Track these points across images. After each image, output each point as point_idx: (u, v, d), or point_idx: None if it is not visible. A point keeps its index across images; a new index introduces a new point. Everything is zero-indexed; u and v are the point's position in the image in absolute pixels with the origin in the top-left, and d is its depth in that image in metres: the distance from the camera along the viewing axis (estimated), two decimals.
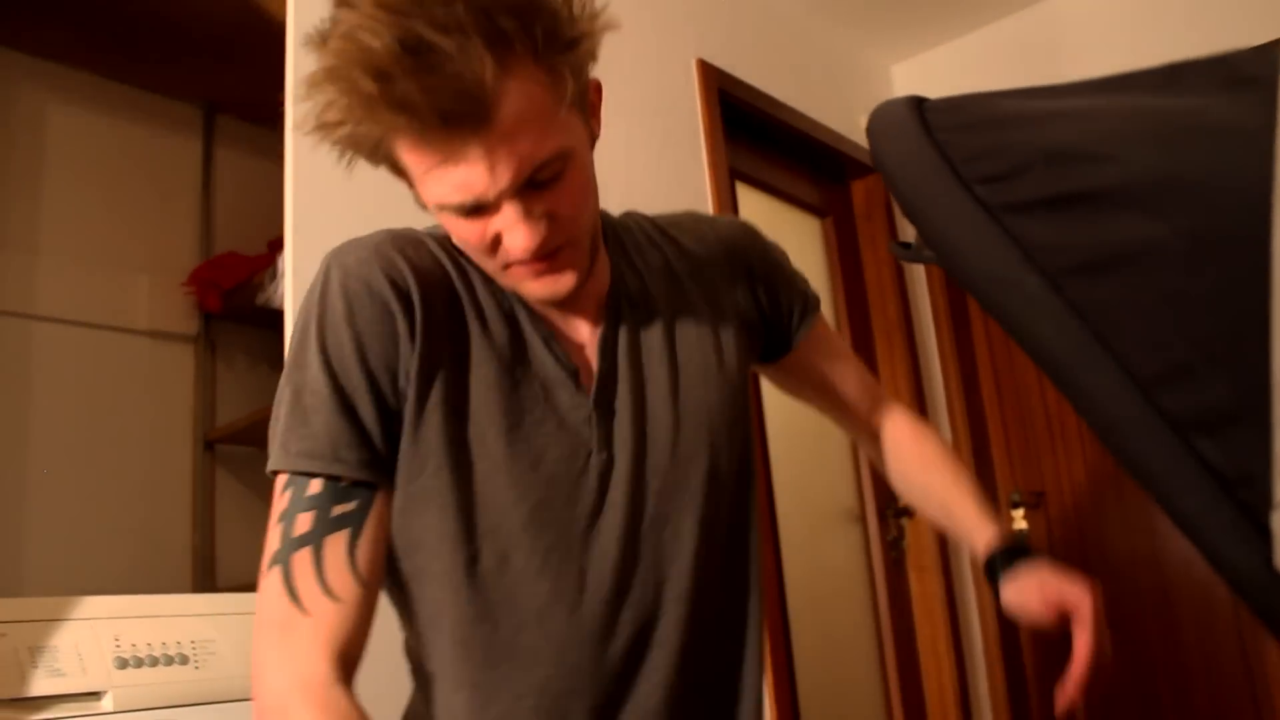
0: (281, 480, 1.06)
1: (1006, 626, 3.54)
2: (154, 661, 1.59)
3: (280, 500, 1.05)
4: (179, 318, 2.80)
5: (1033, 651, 3.57)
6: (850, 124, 3.63)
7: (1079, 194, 0.56)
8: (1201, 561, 0.56)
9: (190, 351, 2.82)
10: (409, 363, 1.08)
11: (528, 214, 1.01)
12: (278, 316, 1.99)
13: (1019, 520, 3.61)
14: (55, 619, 1.54)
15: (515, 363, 1.13)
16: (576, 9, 1.01)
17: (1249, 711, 3.10)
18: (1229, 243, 0.51)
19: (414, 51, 0.89)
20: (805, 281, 1.41)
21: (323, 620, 1.01)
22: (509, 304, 1.16)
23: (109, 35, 2.66)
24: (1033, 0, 3.71)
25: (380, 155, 1.02)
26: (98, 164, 2.75)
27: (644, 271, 1.25)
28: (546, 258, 1.06)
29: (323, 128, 0.97)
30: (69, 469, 2.50)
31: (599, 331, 1.19)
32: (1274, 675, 3.10)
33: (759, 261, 1.34)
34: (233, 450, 2.78)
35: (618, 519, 1.12)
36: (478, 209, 1.01)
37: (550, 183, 1.02)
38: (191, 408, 2.78)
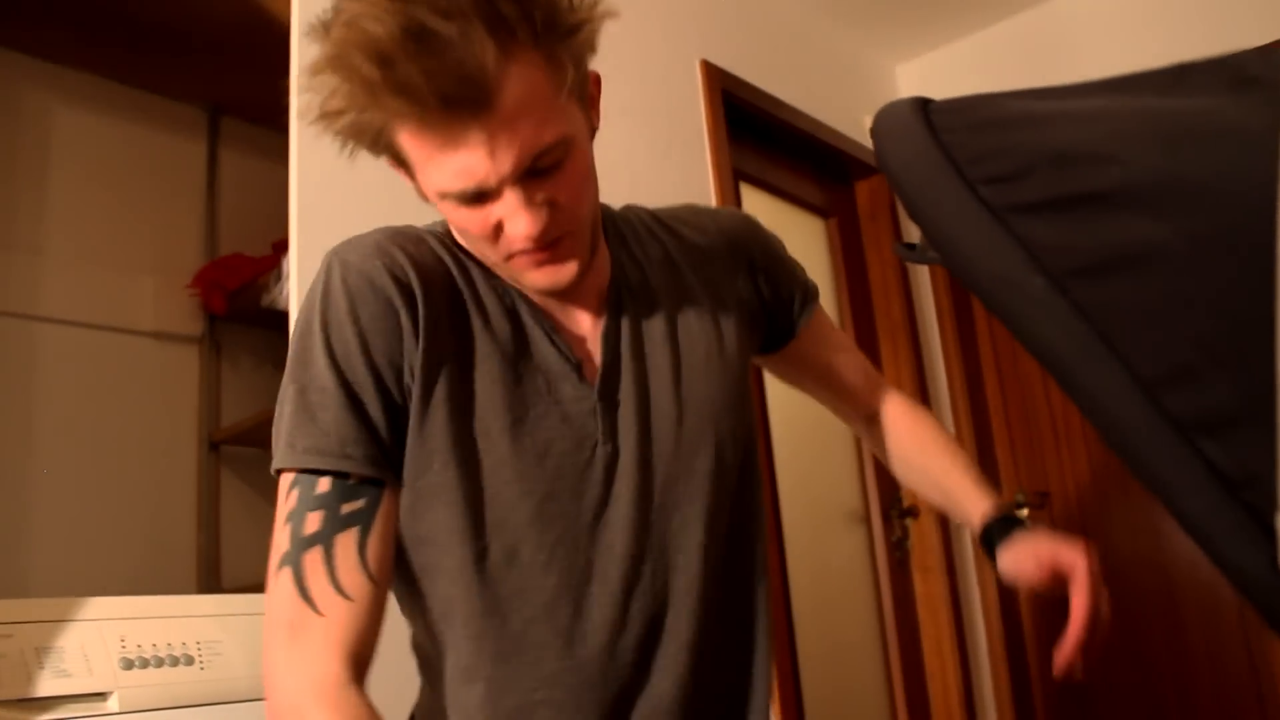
0: (287, 480, 1.06)
1: (1011, 627, 3.54)
2: (159, 662, 1.59)
3: (287, 500, 1.05)
4: (184, 319, 2.81)
5: (1037, 652, 3.57)
6: (854, 124, 3.64)
7: (1084, 195, 0.56)
8: (1207, 562, 0.56)
9: (195, 353, 2.82)
10: (413, 358, 1.08)
11: (529, 201, 1.02)
12: (283, 318, 1.99)
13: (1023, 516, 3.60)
14: (61, 620, 1.54)
15: (518, 357, 1.13)
16: None
17: (1254, 712, 3.10)
18: (1233, 244, 0.51)
19: (417, 37, 0.90)
20: (803, 270, 1.42)
21: (335, 620, 1.01)
22: (510, 299, 1.16)
23: (114, 37, 2.66)
24: (1037, 0, 3.70)
25: (382, 145, 1.02)
26: (103, 165, 2.75)
27: (644, 263, 1.26)
28: (548, 247, 1.06)
29: (325, 117, 0.98)
30: (74, 470, 2.51)
31: (601, 324, 1.19)
32: (1279, 675, 3.10)
33: (760, 252, 1.35)
34: (238, 451, 2.78)
35: (624, 510, 1.13)
36: (479, 196, 1.01)
37: (551, 170, 1.03)
38: (196, 409, 2.78)
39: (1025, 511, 3.60)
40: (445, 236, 1.19)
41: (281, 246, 2.45)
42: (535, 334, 1.15)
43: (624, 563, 1.12)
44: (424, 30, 0.90)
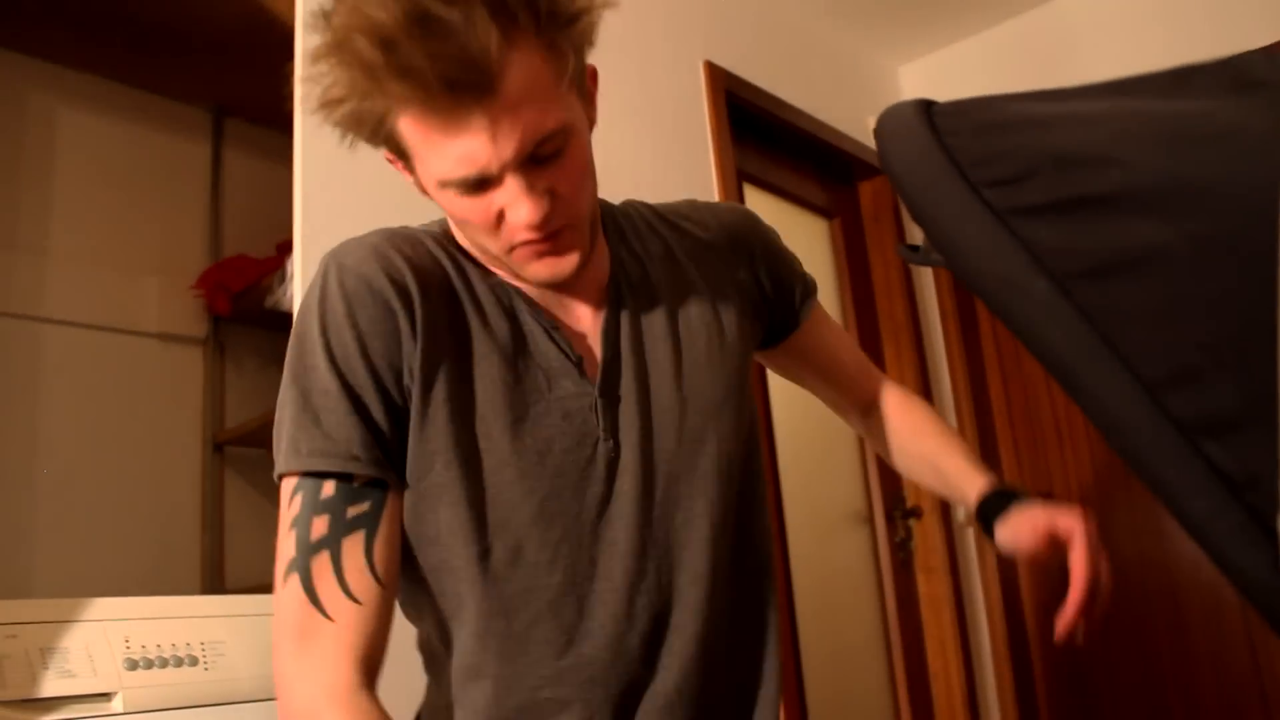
0: (289, 485, 1.06)
1: (1014, 627, 3.54)
2: (164, 663, 1.59)
3: (291, 506, 1.05)
4: (188, 320, 2.81)
5: (1041, 652, 3.57)
6: (858, 125, 3.63)
7: (1087, 198, 0.56)
8: (1210, 562, 0.56)
9: (199, 354, 2.83)
10: (412, 360, 1.08)
11: (530, 188, 1.01)
12: (287, 319, 1.99)
13: None
14: (66, 620, 1.54)
15: (517, 355, 1.13)
16: None
17: (1257, 712, 3.09)
18: (1235, 247, 0.51)
19: (421, 22, 0.90)
20: (800, 263, 1.43)
21: (346, 624, 1.01)
22: (509, 297, 1.16)
23: (118, 39, 2.66)
24: (1040, 1, 3.70)
25: (382, 135, 1.02)
26: (107, 167, 2.76)
27: (644, 258, 1.26)
28: (550, 238, 1.06)
29: (325, 105, 0.98)
30: (78, 471, 2.51)
31: (601, 320, 1.19)
32: None
33: (760, 246, 1.36)
34: (242, 452, 2.78)
35: (627, 507, 1.13)
36: (481, 183, 1.01)
37: (552, 158, 1.03)
38: (200, 410, 2.79)
39: None
40: (442, 237, 1.19)
41: (285, 247, 2.45)
42: (534, 331, 1.15)
43: (627, 559, 1.12)
44: (428, 15, 0.90)
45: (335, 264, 1.11)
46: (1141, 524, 3.31)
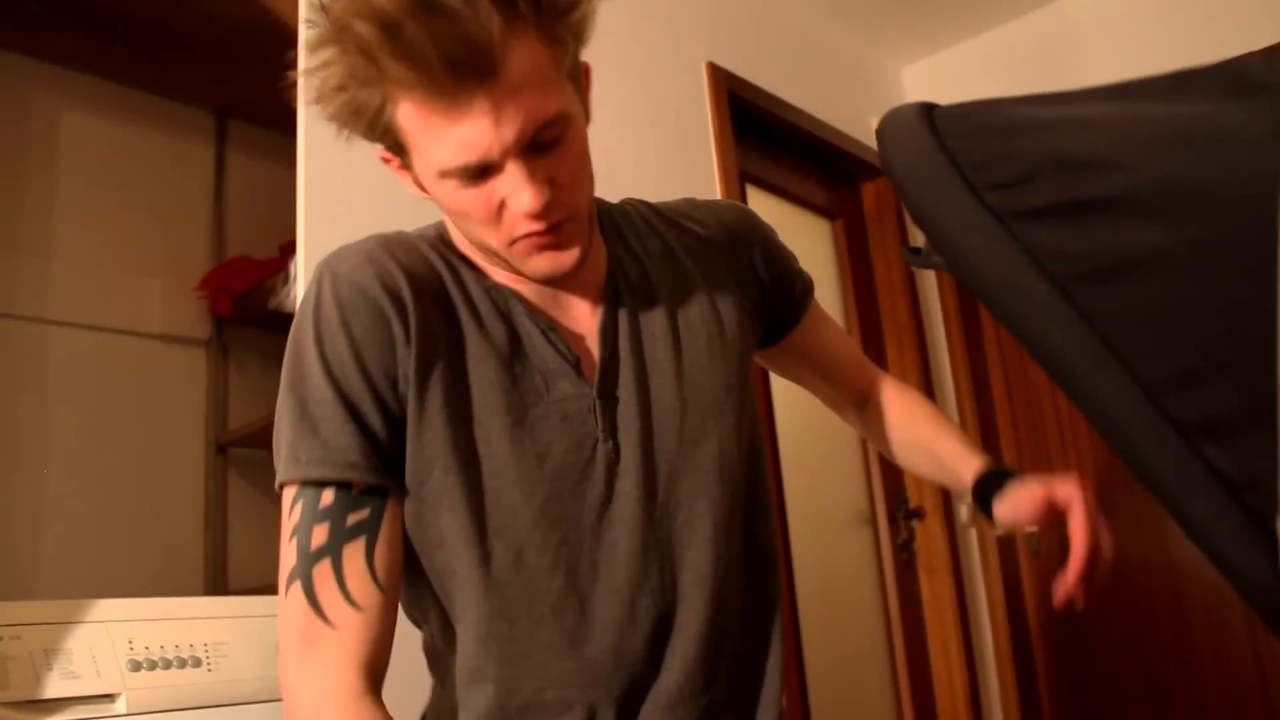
0: (290, 494, 1.07)
1: (1017, 628, 3.54)
2: (167, 664, 1.59)
3: (291, 515, 1.06)
4: (191, 321, 2.81)
5: (1043, 653, 3.57)
6: (860, 126, 3.64)
7: (1088, 201, 0.57)
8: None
9: (202, 355, 2.83)
10: (406, 366, 1.08)
11: (531, 175, 1.01)
12: (290, 320, 1.98)
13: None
14: (69, 622, 1.55)
15: (514, 357, 1.13)
16: None
17: (1261, 714, 3.09)
18: (1235, 250, 0.51)
19: (422, 5, 0.91)
20: (798, 260, 1.43)
21: (348, 631, 1.02)
22: (504, 300, 1.16)
23: (122, 41, 2.67)
24: (1043, 2, 3.70)
25: (380, 126, 1.01)
26: (110, 169, 2.76)
27: (643, 256, 1.25)
28: (551, 230, 1.06)
29: (324, 95, 0.98)
30: (81, 472, 2.51)
31: (599, 320, 1.19)
32: None
33: (760, 244, 1.36)
34: (245, 454, 2.78)
35: (628, 508, 1.13)
36: (482, 171, 1.01)
37: (552, 146, 1.03)
38: (203, 411, 2.79)
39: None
40: (437, 240, 1.19)
41: (289, 249, 2.45)
42: (531, 333, 1.15)
43: (629, 560, 1.12)
44: (430, 1, 0.91)
45: (329, 272, 1.11)
46: (1144, 524, 3.31)
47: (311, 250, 1.92)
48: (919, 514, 3.47)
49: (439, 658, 1.18)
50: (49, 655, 1.49)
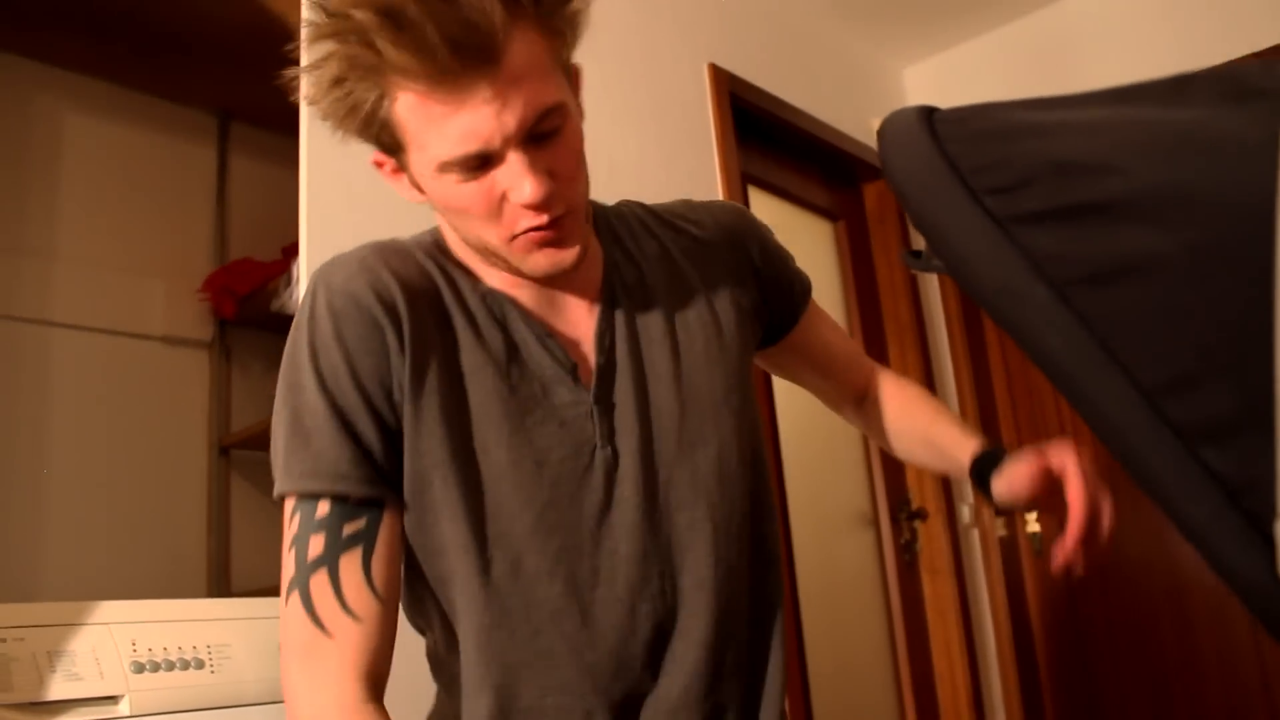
0: (290, 504, 1.07)
1: (1020, 629, 3.54)
2: (170, 666, 1.60)
3: (291, 526, 1.06)
4: (194, 324, 2.82)
5: (1047, 654, 3.57)
6: (862, 127, 3.64)
7: (1086, 205, 0.57)
8: None
9: (205, 357, 2.83)
10: (401, 376, 1.08)
11: (532, 165, 1.01)
12: (292, 322, 2.00)
13: (1032, 522, 3.61)
14: (72, 624, 1.55)
15: (510, 365, 1.13)
16: None
17: (1264, 714, 3.09)
18: (1233, 254, 0.52)
19: None
20: (794, 260, 1.42)
21: (347, 641, 1.02)
22: (500, 307, 1.15)
23: (124, 43, 2.67)
24: (1044, 3, 3.70)
25: (378, 121, 1.01)
26: (113, 171, 2.77)
27: (639, 259, 1.25)
28: (552, 226, 1.05)
29: (321, 89, 0.98)
30: (85, 474, 2.52)
31: (595, 324, 1.18)
32: None
33: (758, 245, 1.35)
34: (247, 455, 2.79)
35: (628, 514, 1.12)
36: (483, 162, 1.01)
37: (551, 137, 1.03)
38: (206, 413, 2.79)
39: (1036, 517, 3.60)
40: (432, 247, 1.18)
41: (291, 251, 2.46)
42: (527, 340, 1.14)
43: (629, 566, 1.11)
44: None
45: (323, 282, 1.10)
46: (1147, 526, 3.30)
47: (314, 252, 1.92)
48: (921, 515, 3.47)
49: (442, 664, 1.18)
50: (52, 657, 1.49)
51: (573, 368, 1.14)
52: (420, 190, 1.08)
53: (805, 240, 3.56)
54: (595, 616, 1.10)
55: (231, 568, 2.70)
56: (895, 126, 0.68)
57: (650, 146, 2.75)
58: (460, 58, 0.94)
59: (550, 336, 1.15)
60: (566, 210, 1.06)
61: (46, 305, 2.56)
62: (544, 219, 1.04)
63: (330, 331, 1.07)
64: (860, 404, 1.53)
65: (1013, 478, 1.28)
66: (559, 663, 1.09)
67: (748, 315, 1.29)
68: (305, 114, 1.86)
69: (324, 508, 1.05)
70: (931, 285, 3.81)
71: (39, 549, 2.41)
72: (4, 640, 1.47)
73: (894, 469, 3.50)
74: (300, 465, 1.05)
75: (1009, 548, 3.63)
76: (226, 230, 2.93)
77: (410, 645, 1.19)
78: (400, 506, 1.10)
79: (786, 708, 1.23)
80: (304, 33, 0.99)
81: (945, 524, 3.45)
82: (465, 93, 0.96)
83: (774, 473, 2.91)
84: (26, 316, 2.52)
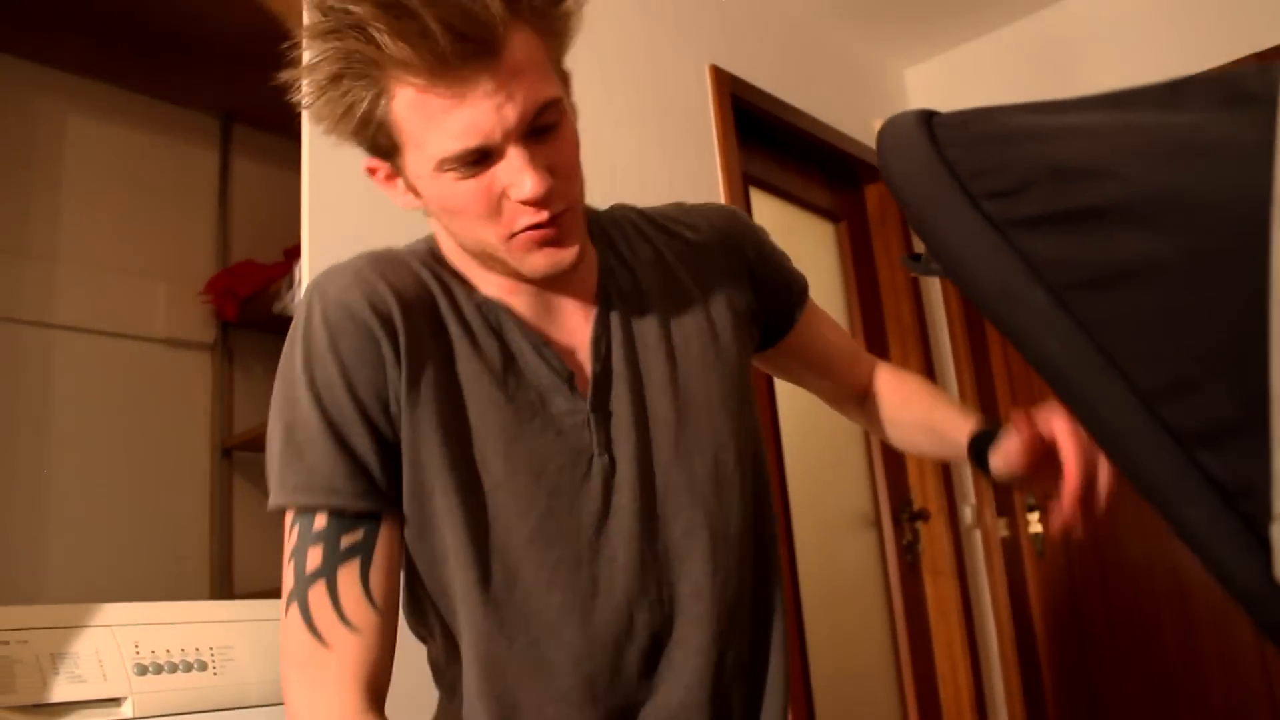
0: (288, 516, 1.07)
1: (1022, 630, 3.54)
2: (173, 668, 1.60)
3: (290, 538, 1.06)
4: (196, 326, 2.83)
5: (1049, 655, 3.57)
6: (864, 128, 3.64)
7: (1083, 210, 0.57)
8: None
9: (208, 359, 2.84)
10: (397, 388, 1.07)
11: (533, 161, 1.00)
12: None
13: (1035, 523, 3.61)
14: (75, 626, 1.55)
15: (507, 374, 1.12)
16: None
17: (1267, 716, 3.09)
18: (1228, 258, 0.52)
19: None
20: (791, 260, 1.41)
21: (346, 653, 1.02)
22: (496, 316, 1.14)
23: (127, 46, 2.68)
24: (1046, 3, 3.70)
25: (375, 122, 1.00)
26: (116, 173, 2.77)
27: (634, 265, 1.24)
28: (552, 223, 1.05)
29: (318, 90, 0.98)
30: (87, 476, 2.52)
31: (591, 332, 1.17)
32: None
33: (753, 247, 1.33)
34: (250, 457, 2.79)
35: (626, 522, 1.12)
36: (482, 158, 1.00)
37: (549, 131, 1.02)
38: (209, 415, 2.80)
39: (1038, 519, 3.60)
40: (428, 255, 1.17)
41: (293, 253, 2.47)
42: (523, 349, 1.13)
43: (628, 575, 1.11)
44: None
45: (318, 294, 1.09)
46: (1149, 527, 3.31)
47: (316, 254, 1.92)
48: (923, 516, 3.47)
49: (443, 672, 1.18)
50: (55, 659, 1.50)
51: (569, 376, 1.13)
52: (416, 194, 1.08)
53: (807, 241, 3.57)
54: (594, 626, 1.10)
55: (234, 569, 2.70)
56: (894, 131, 0.68)
57: (652, 148, 2.75)
58: (461, 49, 0.94)
59: (546, 345, 1.14)
60: (566, 207, 1.06)
61: (49, 307, 2.57)
62: (544, 215, 1.04)
63: (325, 344, 1.06)
64: (862, 403, 1.51)
65: (1008, 452, 1.25)
66: (558, 673, 1.09)
67: (744, 318, 1.28)
68: (307, 115, 1.86)
69: (321, 520, 1.04)
70: (934, 286, 3.81)
71: (42, 551, 2.41)
72: (7, 642, 1.47)
73: (896, 470, 3.50)
74: (295, 479, 1.05)
75: (1011, 549, 3.63)
76: (228, 232, 2.94)
77: (412, 652, 1.18)
78: (398, 517, 1.09)
79: (789, 712, 1.22)
80: (302, 32, 0.99)
81: (947, 525, 3.45)
82: (466, 86, 0.96)
83: (776, 474, 2.91)
84: (29, 319, 2.53)
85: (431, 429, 1.07)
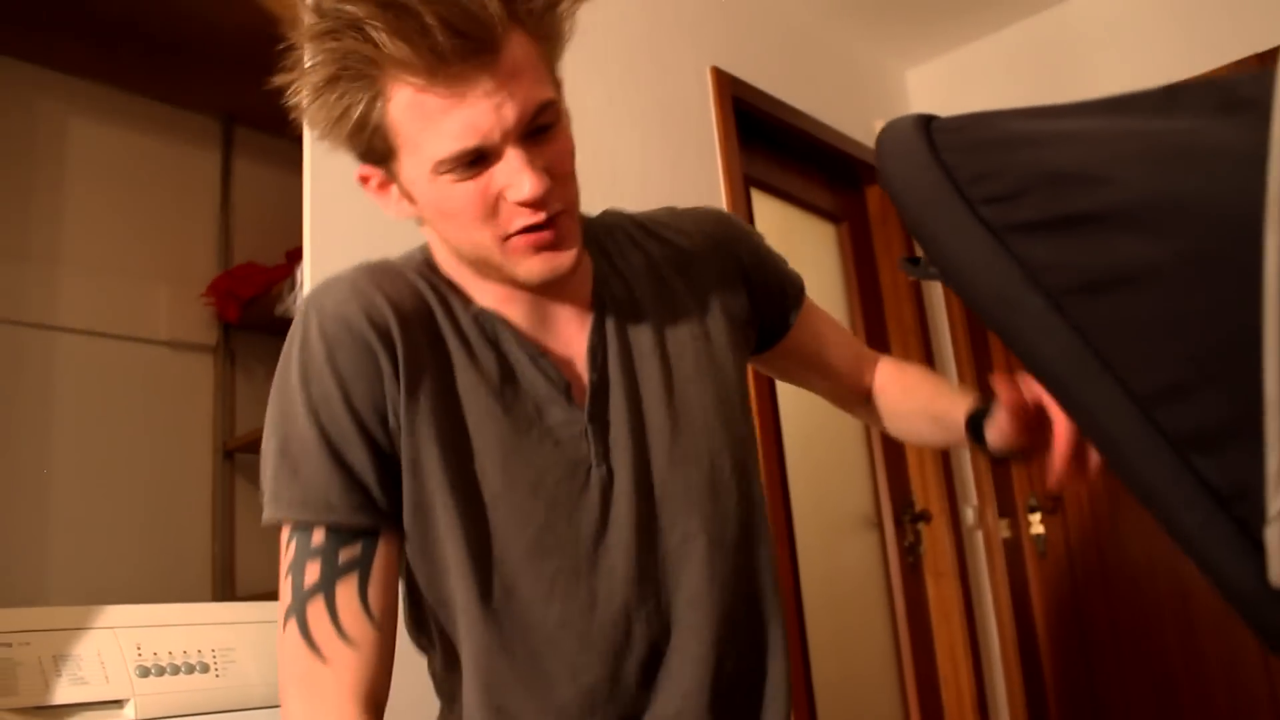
0: (285, 531, 1.06)
1: (1024, 632, 3.54)
2: (175, 670, 1.60)
3: (287, 552, 1.05)
4: (198, 328, 2.83)
5: (1051, 656, 3.57)
6: (865, 129, 3.64)
7: (1080, 215, 0.57)
8: None
9: (209, 361, 2.85)
10: (395, 401, 1.06)
11: (530, 161, 1.00)
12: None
13: (1036, 525, 3.61)
14: (78, 628, 1.56)
15: (504, 386, 1.11)
16: None
17: (1269, 716, 3.09)
18: (1223, 263, 0.52)
19: None
20: (786, 262, 1.39)
21: (344, 668, 1.02)
22: (493, 327, 1.13)
23: (128, 48, 2.68)
24: (1046, 5, 3.69)
25: (370, 125, 1.00)
26: (118, 176, 2.78)
27: (628, 274, 1.23)
28: (549, 225, 1.04)
29: (314, 92, 0.97)
30: (89, 478, 2.53)
31: (586, 342, 1.16)
32: None
33: (746, 251, 1.32)
34: (252, 459, 2.79)
35: (623, 533, 1.11)
36: (480, 159, 1.00)
37: (547, 132, 1.02)
38: (211, 417, 2.80)
39: (1040, 520, 3.60)
40: (424, 266, 1.16)
41: (295, 255, 2.47)
42: (520, 360, 1.12)
43: (626, 586, 1.10)
44: None
45: (315, 307, 1.08)
46: (1152, 528, 3.30)
47: (318, 256, 1.92)
48: (925, 517, 3.47)
49: (443, 683, 1.18)
50: (58, 661, 1.50)
51: (566, 387, 1.13)
52: (411, 200, 1.07)
53: (808, 243, 3.57)
54: (593, 638, 1.09)
55: (236, 571, 2.71)
56: (893, 135, 0.69)
57: (653, 150, 2.76)
58: (460, 47, 0.93)
59: (543, 356, 1.13)
60: (563, 209, 1.05)
61: (51, 310, 2.57)
62: (541, 217, 1.03)
63: (323, 358, 1.05)
64: (867, 400, 1.50)
65: (1001, 423, 1.22)
66: (557, 684, 1.08)
67: (739, 324, 1.28)
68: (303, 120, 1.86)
69: (319, 535, 1.04)
70: (935, 288, 3.80)
71: (44, 553, 2.42)
72: (10, 644, 1.48)
73: (897, 471, 3.50)
74: (289, 494, 1.04)
75: (1013, 550, 3.63)
76: (230, 234, 2.95)
77: (413, 663, 1.18)
78: (396, 531, 1.08)
79: (791, 715, 1.22)
80: (297, 36, 0.99)
81: (949, 526, 3.45)
82: (465, 86, 0.96)
83: (777, 475, 2.91)
84: (31, 321, 2.54)
85: (431, 441, 1.07)
